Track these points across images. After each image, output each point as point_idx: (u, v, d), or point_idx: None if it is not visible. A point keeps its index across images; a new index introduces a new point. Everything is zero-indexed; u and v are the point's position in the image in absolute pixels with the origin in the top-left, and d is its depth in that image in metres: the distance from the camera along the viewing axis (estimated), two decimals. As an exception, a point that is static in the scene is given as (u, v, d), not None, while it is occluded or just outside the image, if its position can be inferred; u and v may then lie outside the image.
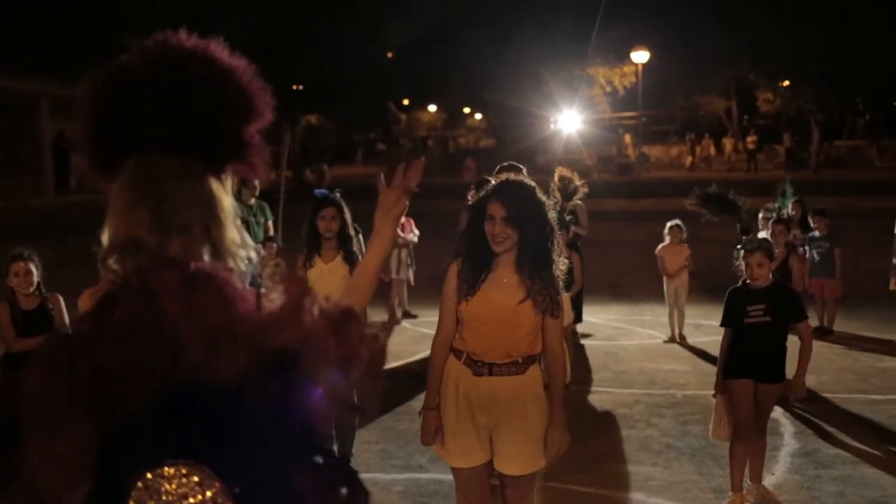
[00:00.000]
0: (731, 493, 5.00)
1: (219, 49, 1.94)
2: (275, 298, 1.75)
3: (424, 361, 4.98)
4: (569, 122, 32.54)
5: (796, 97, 34.72)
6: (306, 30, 32.49)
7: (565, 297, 3.75)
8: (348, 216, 5.46)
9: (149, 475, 1.64)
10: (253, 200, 9.82)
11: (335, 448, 5.12)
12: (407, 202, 2.28)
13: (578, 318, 8.70)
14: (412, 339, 9.09)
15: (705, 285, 10.56)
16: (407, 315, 10.33)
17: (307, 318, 1.72)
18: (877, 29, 31.07)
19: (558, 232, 3.50)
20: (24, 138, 27.04)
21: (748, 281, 5.02)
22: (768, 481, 5.26)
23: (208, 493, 1.61)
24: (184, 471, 1.65)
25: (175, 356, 1.58)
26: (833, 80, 32.75)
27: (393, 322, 9.76)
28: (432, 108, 55.29)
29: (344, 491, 1.77)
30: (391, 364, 6.77)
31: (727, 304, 5.11)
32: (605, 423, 6.53)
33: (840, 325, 9.26)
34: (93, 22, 27.30)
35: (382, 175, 2.34)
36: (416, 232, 9.96)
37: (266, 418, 1.77)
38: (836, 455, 5.76)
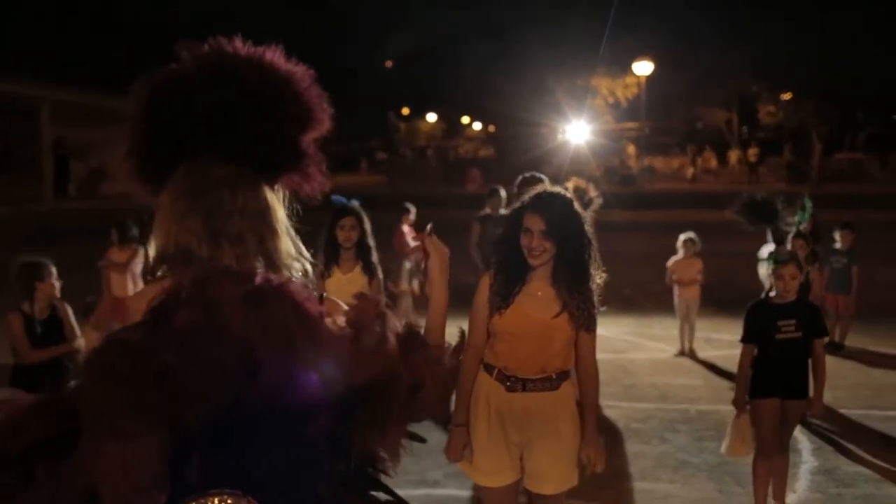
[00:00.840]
0: (754, 512, 4.92)
1: (275, 56, 1.87)
2: (348, 318, 1.67)
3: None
4: (576, 132, 32.49)
5: (798, 110, 34.78)
6: (305, 38, 32.54)
7: None
8: (368, 226, 5.38)
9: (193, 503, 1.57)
10: None
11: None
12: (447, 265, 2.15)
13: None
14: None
15: (715, 298, 10.49)
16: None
17: (390, 355, 1.65)
18: (878, 42, 31.18)
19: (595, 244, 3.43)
20: (24, 143, 26.96)
21: (773, 294, 4.89)
22: (790, 499, 5.18)
23: None
24: (229, 501, 1.58)
25: (250, 372, 1.51)
26: (834, 93, 32.83)
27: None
28: (432, 117, 55.31)
29: None
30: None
31: (751, 320, 4.92)
32: (619, 439, 6.45)
33: (850, 340, 9.19)
34: (95, 28, 27.26)
35: (429, 228, 2.23)
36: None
37: (326, 448, 1.70)
38: (857, 473, 5.68)
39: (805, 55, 31.86)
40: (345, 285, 5.15)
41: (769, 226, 5.26)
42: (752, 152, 36.89)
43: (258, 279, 1.64)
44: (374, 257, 5.39)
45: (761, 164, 37.15)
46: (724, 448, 5.11)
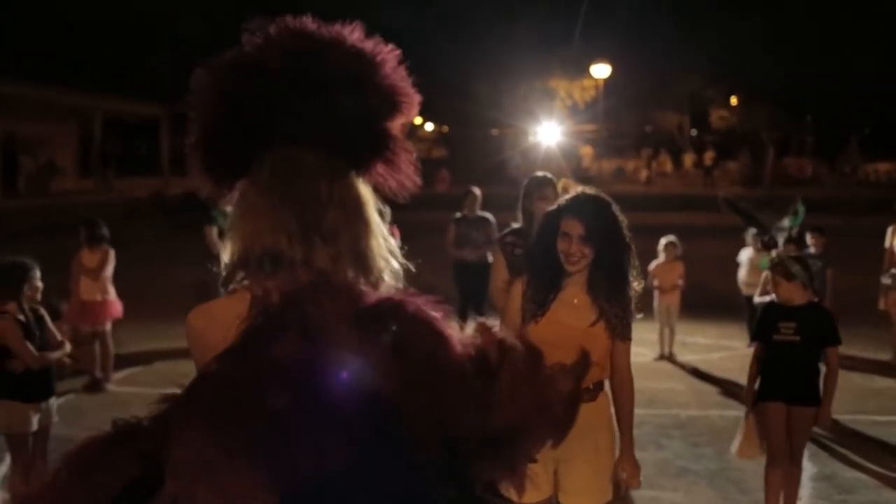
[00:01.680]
0: (765, 521, 4.84)
1: (357, 35, 1.67)
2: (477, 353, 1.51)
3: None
4: (547, 134, 32.37)
5: (751, 113, 35.28)
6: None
7: None
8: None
9: None
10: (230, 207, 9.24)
11: None
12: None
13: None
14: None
15: (692, 303, 10.46)
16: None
17: (532, 394, 1.49)
18: (828, 48, 31.77)
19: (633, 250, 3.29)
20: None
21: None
22: (796, 508, 5.12)
23: None
24: None
25: (389, 415, 1.32)
26: (785, 98, 33.37)
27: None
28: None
29: None
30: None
31: (760, 318, 4.99)
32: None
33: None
34: (37, 19, 26.44)
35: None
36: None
37: (437, 476, 1.52)
38: (856, 479, 5.66)
39: (756, 60, 32.35)
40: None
41: (758, 227, 5.20)
42: (709, 156, 37.29)
43: (368, 295, 1.46)
44: None
45: (715, 168, 37.59)
46: (733, 448, 5.06)
